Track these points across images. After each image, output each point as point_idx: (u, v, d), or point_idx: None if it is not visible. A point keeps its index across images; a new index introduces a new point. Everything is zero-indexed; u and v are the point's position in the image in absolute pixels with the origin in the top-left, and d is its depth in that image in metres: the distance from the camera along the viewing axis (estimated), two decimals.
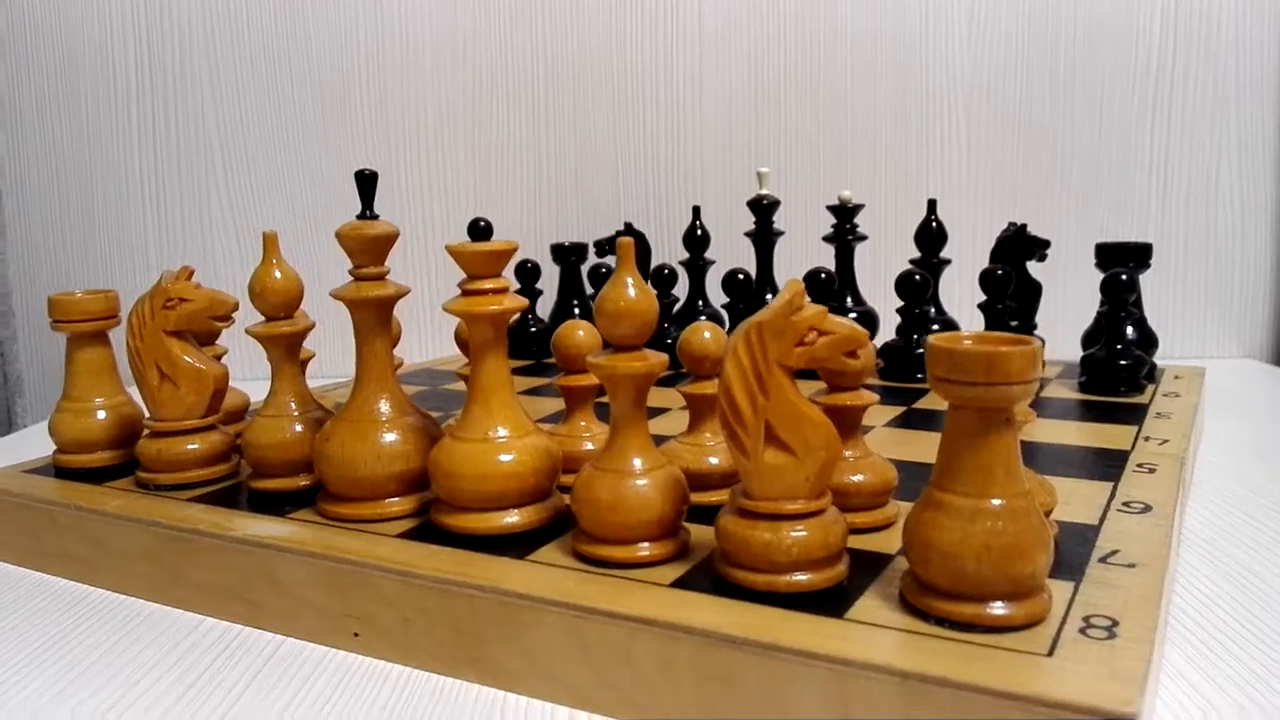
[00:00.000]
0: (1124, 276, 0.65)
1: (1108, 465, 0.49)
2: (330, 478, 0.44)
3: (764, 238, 0.84)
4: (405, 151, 1.04)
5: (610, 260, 0.88)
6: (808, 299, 0.35)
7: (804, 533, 0.34)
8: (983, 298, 0.67)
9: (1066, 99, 0.99)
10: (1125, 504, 0.43)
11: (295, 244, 0.99)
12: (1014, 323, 0.75)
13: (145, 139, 1.03)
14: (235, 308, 0.51)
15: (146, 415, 0.51)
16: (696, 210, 0.87)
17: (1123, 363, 0.65)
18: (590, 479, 0.38)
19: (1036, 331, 0.76)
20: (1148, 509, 0.43)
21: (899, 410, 0.63)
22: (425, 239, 1.05)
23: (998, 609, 0.32)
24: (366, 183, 0.44)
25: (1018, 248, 0.74)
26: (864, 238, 0.81)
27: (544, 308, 0.94)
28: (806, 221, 0.96)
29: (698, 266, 0.87)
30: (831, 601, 0.34)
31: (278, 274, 0.47)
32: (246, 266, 1.02)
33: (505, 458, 0.41)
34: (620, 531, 0.37)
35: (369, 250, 0.44)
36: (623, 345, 0.38)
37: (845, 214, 0.80)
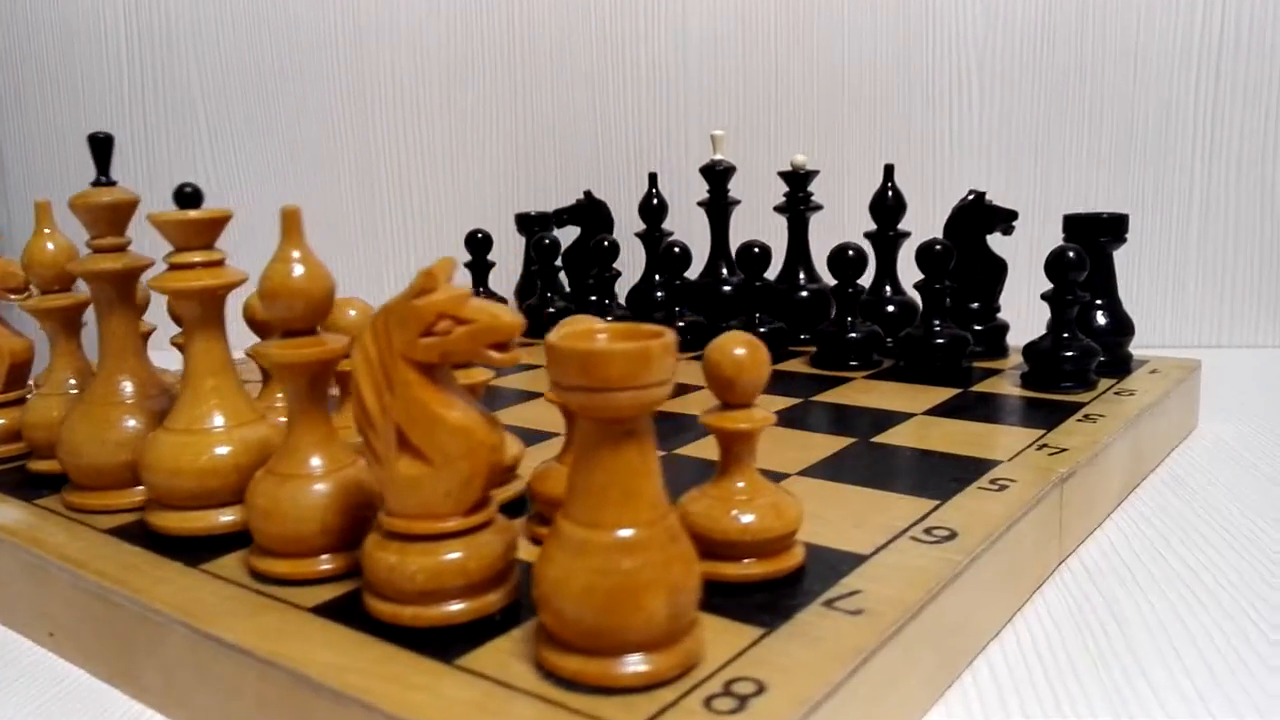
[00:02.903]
0: (1070, 253, 0.55)
1: (953, 479, 0.41)
2: (63, 464, 0.41)
3: (718, 207, 0.77)
4: (380, 113, 1.01)
5: (558, 232, 0.83)
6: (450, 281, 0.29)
7: (446, 556, 0.29)
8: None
9: (1096, 48, 0.87)
10: (928, 530, 0.36)
11: (274, 208, 0.98)
12: (974, 305, 0.66)
13: (135, 106, 1.03)
14: (27, 281, 0.49)
15: None
16: (653, 177, 0.81)
17: (1067, 354, 0.55)
18: (255, 482, 0.34)
19: (1000, 315, 0.67)
20: (951, 537, 0.35)
21: (795, 401, 0.55)
22: (402, 206, 1.02)
23: (612, 665, 0.26)
24: (100, 147, 0.41)
25: (976, 219, 0.65)
26: (818, 207, 0.73)
27: (508, 281, 0.90)
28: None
29: (654, 238, 0.81)
30: (462, 640, 0.29)
31: (50, 245, 0.45)
32: (232, 232, 1.01)
33: (218, 451, 0.37)
34: (277, 543, 0.33)
35: (104, 219, 0.41)
36: (290, 330, 0.33)
37: (798, 181, 0.72)
